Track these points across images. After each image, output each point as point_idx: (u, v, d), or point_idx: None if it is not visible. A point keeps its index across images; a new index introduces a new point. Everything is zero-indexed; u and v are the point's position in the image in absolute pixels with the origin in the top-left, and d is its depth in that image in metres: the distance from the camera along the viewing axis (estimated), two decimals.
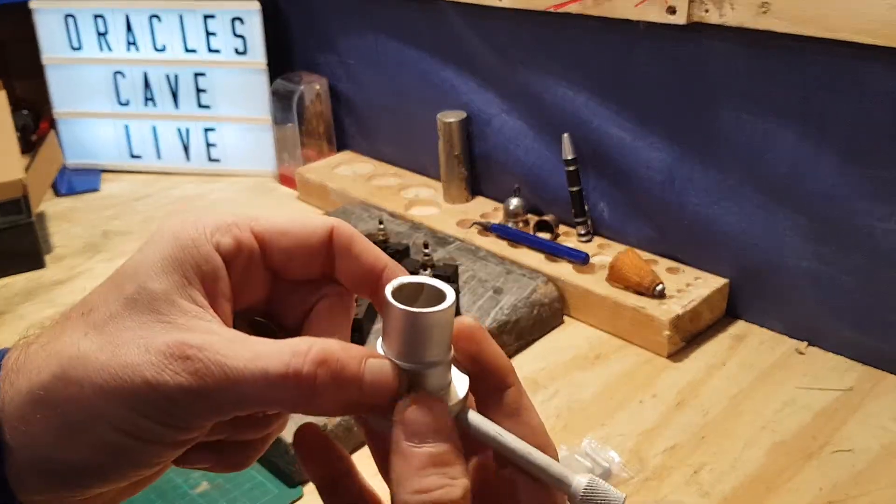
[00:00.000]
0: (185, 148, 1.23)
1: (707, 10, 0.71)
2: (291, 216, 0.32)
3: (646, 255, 0.84)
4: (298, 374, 0.27)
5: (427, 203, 1.02)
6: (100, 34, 1.18)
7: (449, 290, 0.29)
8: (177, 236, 0.30)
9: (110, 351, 0.28)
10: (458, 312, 0.76)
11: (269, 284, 0.32)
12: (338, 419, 0.64)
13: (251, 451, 0.32)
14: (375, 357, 0.29)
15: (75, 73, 1.20)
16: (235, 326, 0.30)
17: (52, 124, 1.24)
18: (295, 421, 0.35)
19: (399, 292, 0.29)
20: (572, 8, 0.80)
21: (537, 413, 0.32)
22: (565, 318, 0.83)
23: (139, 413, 0.27)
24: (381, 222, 0.88)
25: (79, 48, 1.19)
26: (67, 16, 1.17)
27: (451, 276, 0.79)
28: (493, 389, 0.32)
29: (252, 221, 0.31)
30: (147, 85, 1.20)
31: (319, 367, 0.27)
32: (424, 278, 0.30)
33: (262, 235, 0.31)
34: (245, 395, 0.27)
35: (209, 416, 0.28)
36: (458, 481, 0.27)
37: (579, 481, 0.29)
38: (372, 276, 0.32)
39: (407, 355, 0.29)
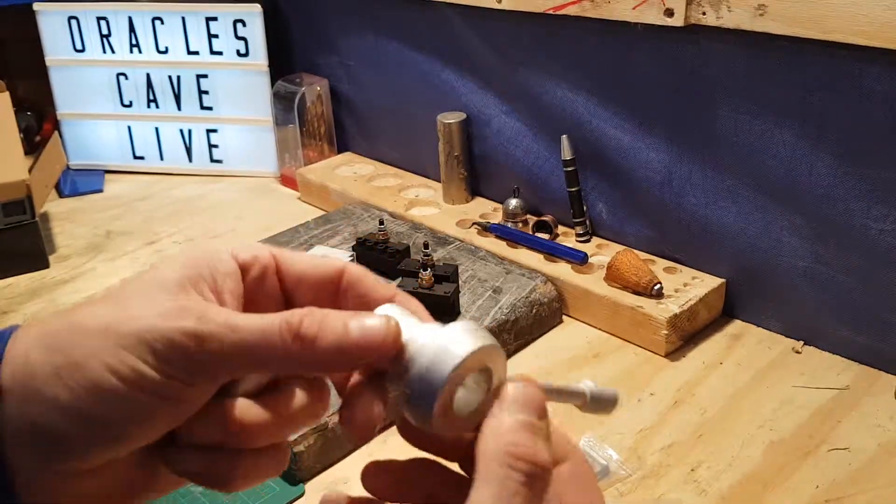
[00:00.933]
0: (188, 149, 1.23)
1: (704, 13, 0.71)
2: (312, 256, 0.35)
3: (644, 255, 0.85)
4: (290, 322, 0.30)
5: (427, 203, 1.02)
6: (103, 36, 1.19)
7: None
8: (200, 248, 0.33)
9: (120, 306, 0.30)
10: (457, 310, 0.76)
11: (283, 307, 0.34)
12: (338, 419, 0.65)
13: (241, 468, 0.32)
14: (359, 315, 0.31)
15: (78, 75, 1.21)
16: None
17: (56, 125, 1.25)
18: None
19: None
20: (571, 10, 0.81)
21: None
22: (564, 317, 0.83)
23: (136, 355, 0.29)
24: (381, 222, 0.89)
25: (82, 50, 1.20)
26: (71, 17, 1.18)
27: (450, 276, 0.79)
28: None
29: (272, 249, 0.34)
30: (150, 86, 1.21)
31: (307, 316, 0.30)
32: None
33: (279, 257, 0.34)
34: (244, 344, 0.29)
35: (206, 370, 0.29)
36: (545, 451, 0.30)
37: (587, 384, 0.34)
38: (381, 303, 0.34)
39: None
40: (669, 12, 0.73)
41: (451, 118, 0.98)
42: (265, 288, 0.34)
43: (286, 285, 0.34)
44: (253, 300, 0.33)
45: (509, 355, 0.78)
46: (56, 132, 1.18)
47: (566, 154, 0.87)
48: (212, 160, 1.23)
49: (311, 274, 0.34)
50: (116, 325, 0.29)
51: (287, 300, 0.34)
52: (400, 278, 0.81)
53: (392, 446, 0.67)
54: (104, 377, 0.28)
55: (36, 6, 1.17)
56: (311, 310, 0.30)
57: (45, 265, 0.98)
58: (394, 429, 0.70)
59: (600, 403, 0.35)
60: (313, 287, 0.34)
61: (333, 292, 0.34)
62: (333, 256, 0.32)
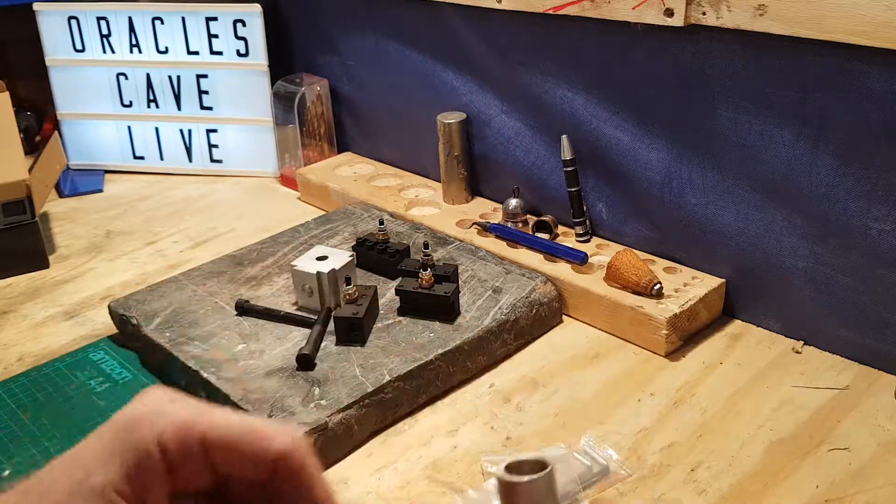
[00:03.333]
0: (188, 149, 1.23)
1: (704, 13, 0.71)
2: (252, 427, 0.30)
3: (644, 255, 0.85)
4: None
5: (427, 203, 1.02)
6: (103, 36, 1.19)
7: (548, 461, 0.36)
8: (126, 428, 0.30)
9: None
10: (457, 310, 0.76)
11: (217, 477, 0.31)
12: (338, 419, 0.65)
13: None
14: None
15: (78, 75, 1.21)
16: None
17: (56, 125, 1.25)
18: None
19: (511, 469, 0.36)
20: (571, 10, 0.81)
21: None
22: (564, 317, 0.83)
23: None
24: (381, 222, 0.89)
25: (82, 50, 1.20)
26: (70, 17, 1.18)
27: (450, 276, 0.79)
28: None
29: (206, 428, 0.30)
30: (150, 86, 1.21)
31: None
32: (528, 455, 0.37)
33: (212, 445, 0.30)
34: None
35: None
36: None
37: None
38: None
39: None
40: (669, 12, 0.73)
41: (451, 118, 0.98)
42: (195, 469, 0.30)
43: (219, 471, 0.30)
44: (184, 477, 0.30)
45: (509, 355, 0.78)
46: (56, 132, 1.18)
47: (566, 154, 0.87)
48: (212, 160, 1.23)
49: (245, 466, 0.30)
50: None
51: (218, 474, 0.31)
52: (400, 278, 0.81)
53: (392, 446, 0.68)
54: None
55: (36, 6, 1.18)
56: None
57: (45, 265, 0.98)
58: (394, 429, 0.71)
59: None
60: (249, 473, 0.30)
61: (270, 471, 0.30)
62: (280, 428, 0.31)
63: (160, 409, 0.30)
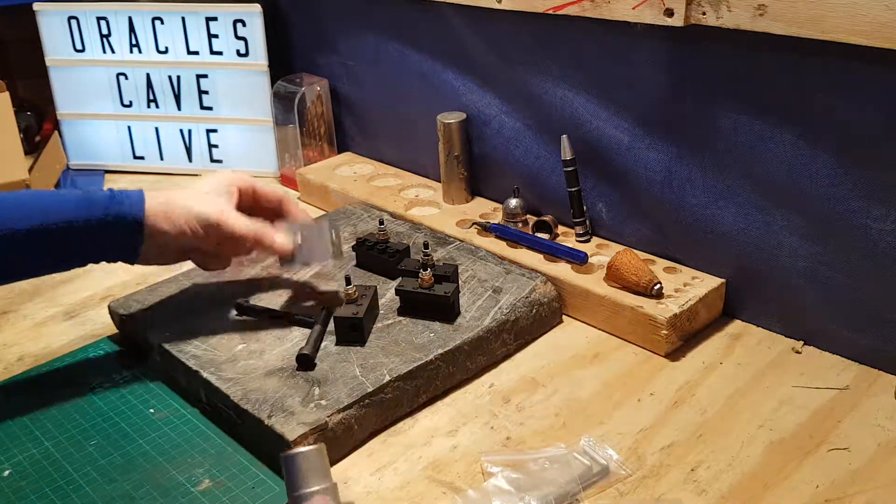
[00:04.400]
0: (188, 149, 1.23)
1: (704, 13, 0.71)
2: (268, 184, 0.82)
3: (644, 255, 0.85)
4: (257, 231, 0.74)
5: (427, 203, 1.02)
6: (103, 36, 1.19)
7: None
8: (223, 174, 0.77)
9: (192, 195, 0.72)
10: (457, 310, 0.76)
11: (248, 210, 0.77)
12: (338, 419, 0.65)
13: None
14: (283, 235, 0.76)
15: (78, 75, 1.21)
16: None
17: (56, 125, 1.25)
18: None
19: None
20: (571, 10, 0.81)
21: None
22: (564, 317, 0.83)
23: (196, 221, 0.71)
24: (381, 222, 0.89)
25: (82, 50, 1.20)
26: (70, 17, 1.18)
27: (450, 276, 0.79)
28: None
29: (250, 181, 0.78)
30: (150, 86, 1.21)
31: (263, 231, 0.74)
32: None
33: (255, 186, 0.78)
34: (236, 233, 0.72)
35: (223, 236, 0.72)
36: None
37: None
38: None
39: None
40: (669, 12, 0.73)
41: (451, 118, 0.98)
42: (245, 200, 0.77)
43: (256, 199, 0.78)
44: (239, 205, 0.75)
45: (510, 355, 0.78)
46: (56, 132, 1.18)
47: (566, 154, 0.87)
48: (212, 160, 1.23)
49: (268, 198, 0.79)
50: (189, 204, 0.71)
51: (252, 207, 0.78)
52: (400, 278, 0.81)
53: (392, 446, 0.68)
54: (183, 228, 0.70)
55: (36, 6, 1.18)
56: (265, 229, 0.74)
57: None
58: (394, 429, 0.71)
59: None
60: (267, 204, 0.79)
61: (276, 206, 0.79)
62: (279, 188, 0.84)
63: (230, 173, 0.78)
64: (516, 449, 0.65)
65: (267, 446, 0.64)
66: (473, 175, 1.02)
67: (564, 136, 0.87)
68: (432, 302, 0.76)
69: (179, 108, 1.21)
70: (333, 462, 0.65)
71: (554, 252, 0.87)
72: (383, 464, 0.65)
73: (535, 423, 0.69)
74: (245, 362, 0.72)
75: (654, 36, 0.77)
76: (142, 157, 1.25)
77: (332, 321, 0.75)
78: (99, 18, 1.18)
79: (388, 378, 0.69)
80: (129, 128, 1.23)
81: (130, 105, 1.22)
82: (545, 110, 0.91)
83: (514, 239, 0.90)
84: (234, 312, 0.79)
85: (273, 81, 1.16)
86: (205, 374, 0.70)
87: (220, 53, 1.17)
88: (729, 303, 0.82)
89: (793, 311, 0.77)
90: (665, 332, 0.75)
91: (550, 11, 0.83)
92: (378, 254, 0.86)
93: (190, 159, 1.24)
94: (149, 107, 1.22)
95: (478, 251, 0.89)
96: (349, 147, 1.21)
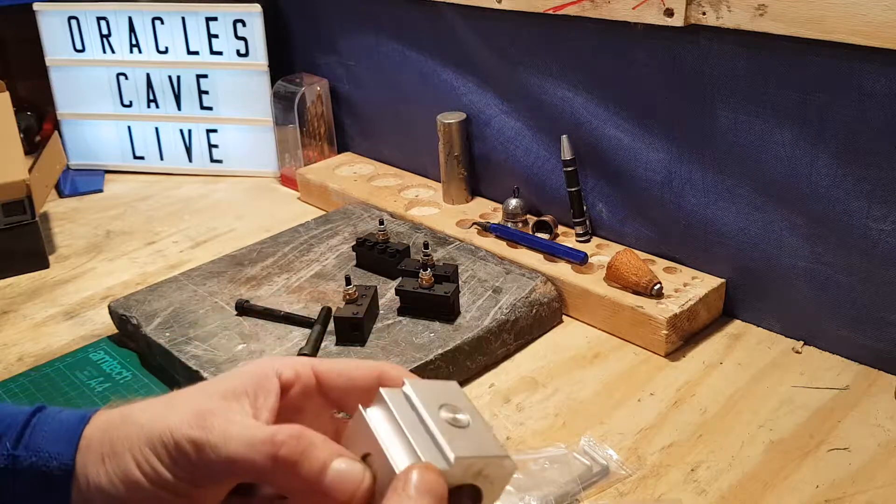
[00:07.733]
0: (188, 149, 1.23)
1: (704, 13, 0.71)
2: (352, 361, 0.39)
3: (644, 255, 0.85)
4: (273, 442, 0.32)
5: (427, 203, 1.02)
6: (103, 36, 1.19)
7: None
8: (255, 365, 0.37)
9: (166, 406, 0.34)
10: (457, 310, 0.76)
11: (335, 427, 0.38)
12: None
13: None
14: (345, 457, 0.32)
15: (78, 75, 1.21)
16: None
17: (56, 125, 1.25)
18: None
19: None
20: (571, 10, 0.81)
21: None
22: (564, 317, 0.83)
23: (155, 454, 0.33)
24: (381, 222, 0.89)
25: (82, 50, 1.20)
26: (70, 17, 1.18)
27: (450, 276, 0.79)
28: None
29: (316, 363, 0.38)
30: (150, 86, 1.21)
31: (290, 441, 0.32)
32: None
33: (319, 374, 0.38)
34: (231, 457, 0.32)
35: (206, 474, 0.33)
36: None
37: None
38: None
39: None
40: (669, 12, 0.73)
41: (451, 118, 0.98)
42: (309, 402, 0.38)
43: (331, 398, 0.38)
44: (299, 409, 0.37)
45: (510, 355, 0.78)
46: (56, 132, 1.18)
47: (566, 154, 0.87)
48: (212, 160, 1.23)
49: (351, 387, 0.38)
50: (150, 423, 0.33)
51: (334, 403, 0.39)
52: (400, 278, 0.81)
53: None
54: (132, 470, 0.33)
55: (36, 6, 1.17)
56: (300, 433, 0.32)
57: (45, 265, 0.98)
58: None
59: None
60: (355, 397, 0.36)
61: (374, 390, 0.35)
62: (368, 362, 0.37)
63: (277, 357, 0.41)
64: (516, 449, 0.65)
65: None
66: (473, 175, 1.02)
67: (564, 136, 0.87)
68: (432, 302, 0.76)
69: (179, 108, 1.21)
70: None
71: (554, 252, 0.87)
72: None
73: (535, 423, 0.69)
74: (245, 362, 0.72)
75: (654, 36, 0.77)
76: (142, 157, 1.25)
77: (332, 321, 0.75)
78: (99, 18, 1.18)
79: None
80: (129, 128, 1.23)
81: (130, 105, 1.22)
82: (545, 110, 0.91)
83: (514, 239, 0.90)
84: (234, 312, 0.79)
85: (273, 81, 1.16)
86: (205, 374, 0.70)
87: (220, 53, 1.17)
88: (729, 303, 0.82)
89: (793, 311, 0.77)
90: (665, 332, 0.75)
91: (550, 11, 0.83)
92: (378, 254, 0.86)
93: (190, 159, 1.24)
94: (149, 107, 1.22)
95: (478, 251, 0.89)
96: (349, 147, 1.21)
